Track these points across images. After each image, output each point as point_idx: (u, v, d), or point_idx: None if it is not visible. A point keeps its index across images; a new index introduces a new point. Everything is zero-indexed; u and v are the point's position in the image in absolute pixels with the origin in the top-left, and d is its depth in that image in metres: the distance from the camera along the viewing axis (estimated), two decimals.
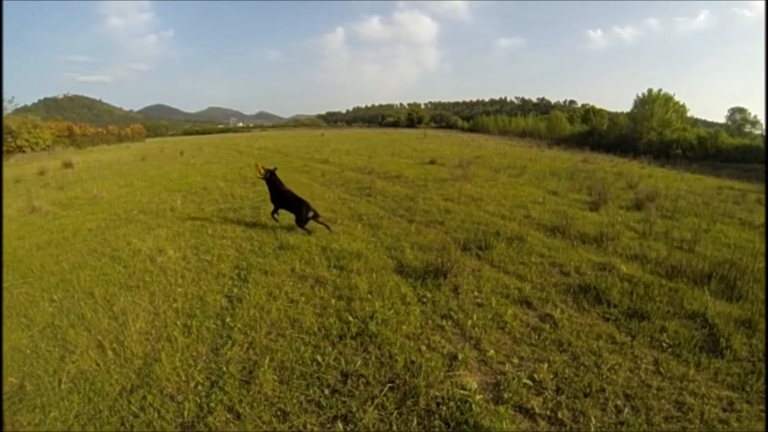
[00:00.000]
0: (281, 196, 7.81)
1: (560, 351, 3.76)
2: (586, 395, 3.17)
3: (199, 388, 3.30)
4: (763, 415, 2.99)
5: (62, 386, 3.37)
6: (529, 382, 3.30)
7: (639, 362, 3.59)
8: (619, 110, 64.59)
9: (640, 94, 49.06)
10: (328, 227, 7.39)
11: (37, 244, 7.22)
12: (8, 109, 37.68)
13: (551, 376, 3.38)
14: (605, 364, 3.53)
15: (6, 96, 37.49)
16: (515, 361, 3.61)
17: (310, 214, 7.38)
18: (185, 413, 3.02)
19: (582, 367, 3.50)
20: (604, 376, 3.38)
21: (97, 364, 3.65)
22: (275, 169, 8.03)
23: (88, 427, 2.94)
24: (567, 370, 3.46)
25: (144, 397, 3.18)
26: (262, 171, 7.91)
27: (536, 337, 3.99)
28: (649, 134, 44.15)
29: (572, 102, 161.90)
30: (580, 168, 19.11)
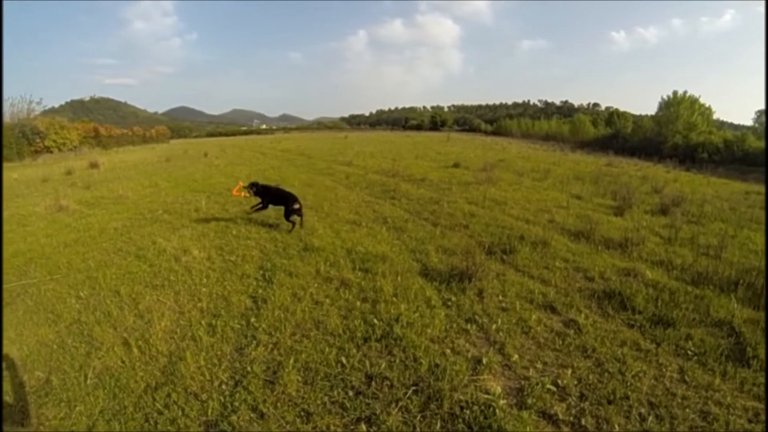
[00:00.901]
0: (272, 196, 8.23)
1: (584, 357, 3.75)
2: (610, 402, 3.15)
3: (223, 387, 3.35)
4: None
5: (88, 381, 3.46)
6: (553, 388, 3.29)
7: (664, 370, 3.56)
8: (643, 113, 63.79)
9: (664, 97, 48.56)
10: (300, 225, 7.91)
11: (64, 241, 7.41)
12: (36, 110, 38.65)
13: (575, 382, 3.37)
14: (630, 371, 3.50)
15: (35, 98, 38.58)
16: (539, 366, 3.61)
17: (296, 206, 7.86)
18: (209, 411, 3.07)
19: (606, 374, 3.48)
20: (629, 384, 3.35)
21: (123, 361, 3.73)
22: (255, 182, 8.37)
23: (113, 422, 3.00)
24: (591, 377, 3.45)
25: (168, 395, 3.25)
26: (245, 194, 8.26)
27: (560, 342, 3.99)
28: (675, 137, 43.40)
29: (596, 105, 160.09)
30: (604, 172, 18.94)
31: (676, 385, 3.35)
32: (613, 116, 68.88)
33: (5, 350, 3.96)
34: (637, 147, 43.34)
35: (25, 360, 3.82)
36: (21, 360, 3.82)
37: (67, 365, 3.71)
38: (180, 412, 3.06)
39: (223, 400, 3.19)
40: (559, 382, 3.35)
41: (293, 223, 7.76)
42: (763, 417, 3.01)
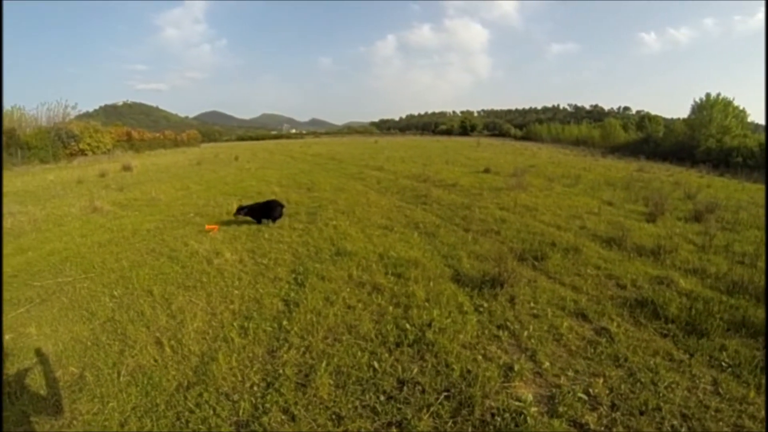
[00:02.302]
0: (259, 210, 8.80)
1: (616, 366, 3.71)
2: (642, 413, 3.10)
3: (255, 388, 3.40)
4: None
5: (121, 379, 3.56)
6: (584, 397, 3.26)
7: (697, 381, 3.49)
8: (675, 116, 62.31)
9: (697, 99, 47.10)
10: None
11: (98, 241, 7.66)
12: (72, 114, 40.15)
13: (607, 392, 3.34)
14: (662, 382, 3.44)
15: (70, 102, 40.23)
16: (570, 374, 3.58)
17: (278, 212, 8.81)
18: (240, 412, 3.12)
19: (638, 384, 3.43)
20: (661, 394, 3.30)
21: (155, 360, 3.83)
22: (241, 206, 9.06)
23: (145, 419, 3.08)
24: (623, 386, 3.40)
25: (200, 394, 3.32)
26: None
27: (592, 350, 3.95)
28: (708, 141, 41.92)
29: (626, 108, 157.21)
30: (636, 177, 18.59)
31: (710, 397, 3.29)
32: (644, 120, 67.51)
33: (40, 345, 4.13)
34: (669, 151, 42.53)
35: (59, 355, 3.96)
36: (56, 355, 3.97)
37: (101, 362, 3.83)
38: (211, 412, 3.12)
39: (254, 401, 3.24)
40: (591, 391, 3.33)
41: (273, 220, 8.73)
42: None
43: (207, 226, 8.40)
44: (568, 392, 3.29)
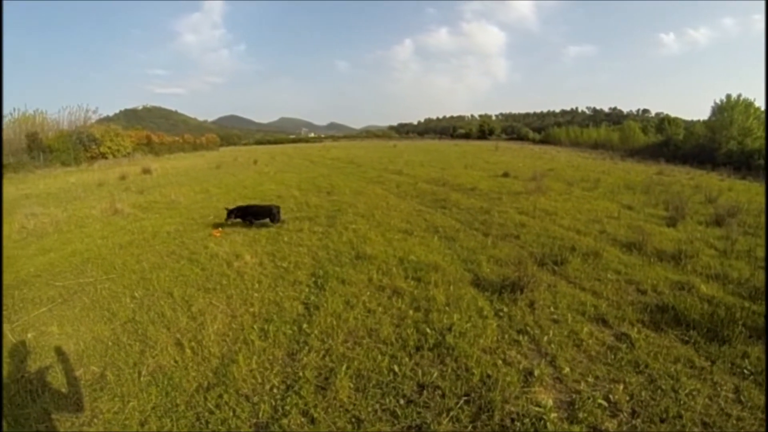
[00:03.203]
0: (251, 212, 9.07)
1: (636, 372, 3.69)
2: (662, 420, 3.07)
3: (275, 390, 3.44)
4: None
5: (142, 378, 3.63)
6: (604, 403, 3.25)
7: (719, 389, 3.45)
8: (695, 118, 61.20)
9: (717, 101, 46.11)
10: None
11: (119, 243, 7.81)
12: (93, 118, 41.17)
13: (627, 398, 3.32)
14: (683, 389, 3.41)
15: (90, 107, 41.23)
16: (590, 380, 3.57)
17: (276, 214, 9.06)
18: (260, 414, 3.16)
19: (659, 391, 3.41)
20: (682, 402, 3.27)
21: (176, 361, 3.89)
22: (230, 209, 9.26)
23: (165, 419, 3.14)
24: (643, 393, 3.38)
25: (220, 396, 3.36)
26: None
27: (612, 356, 3.93)
28: (729, 144, 41.02)
29: (645, 111, 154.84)
30: (656, 181, 18.37)
31: (731, 405, 3.25)
32: (663, 122, 66.38)
33: (62, 344, 4.23)
34: (689, 154, 41.91)
35: (81, 354, 4.05)
36: (77, 354, 4.06)
37: (122, 362, 3.90)
38: (231, 413, 3.16)
39: (274, 403, 3.27)
40: (611, 397, 3.31)
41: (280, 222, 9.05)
42: None
43: (215, 233, 8.46)
44: (588, 398, 3.28)
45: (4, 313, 5.07)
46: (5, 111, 34.39)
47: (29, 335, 4.46)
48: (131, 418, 3.16)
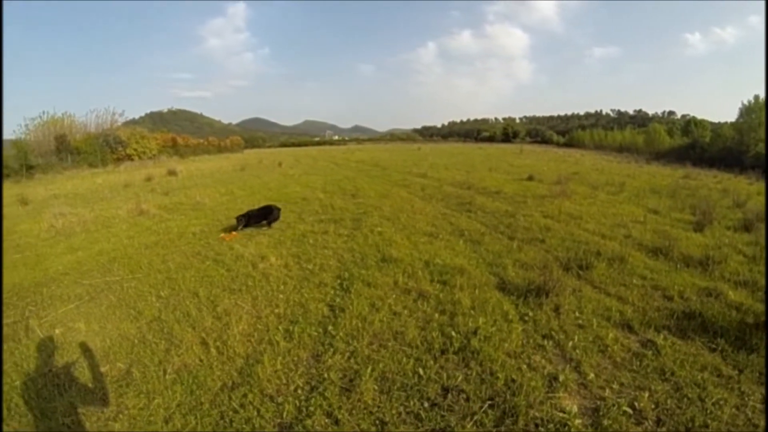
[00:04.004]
0: (255, 217, 9.34)
1: (662, 380, 3.63)
2: (688, 430, 3.03)
3: (299, 391, 3.46)
4: None
5: (167, 376, 3.70)
6: (629, 411, 3.21)
7: (746, 399, 3.37)
8: (722, 120, 59.72)
9: (745, 102, 44.93)
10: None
11: (145, 243, 7.99)
12: (119, 121, 42.51)
13: (652, 406, 3.27)
14: (709, 398, 3.34)
15: (117, 110, 42.40)
16: (615, 386, 3.53)
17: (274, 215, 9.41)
18: (284, 414, 3.19)
19: (685, 399, 3.35)
20: (708, 411, 3.20)
21: (201, 360, 3.95)
22: (239, 216, 9.22)
23: (189, 416, 3.19)
24: (669, 401, 3.33)
25: (245, 395, 3.40)
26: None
27: (637, 363, 3.87)
28: (757, 146, 39.74)
29: (671, 113, 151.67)
30: (682, 185, 18.03)
31: (759, 416, 3.18)
32: (689, 125, 65.01)
33: (88, 340, 4.34)
34: (716, 157, 41.02)
35: (107, 351, 4.15)
36: (103, 351, 4.16)
37: (148, 359, 3.98)
38: (255, 413, 3.20)
39: (298, 404, 3.30)
40: (636, 404, 3.27)
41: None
42: None
43: (226, 236, 8.49)
44: (613, 405, 3.24)
45: (33, 309, 5.24)
46: (34, 113, 35.63)
47: (57, 331, 4.59)
48: (156, 414, 3.23)
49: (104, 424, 3.18)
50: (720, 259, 6.55)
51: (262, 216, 9.27)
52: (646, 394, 3.38)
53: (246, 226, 9.00)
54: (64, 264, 6.82)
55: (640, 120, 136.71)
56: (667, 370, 3.74)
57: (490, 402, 3.29)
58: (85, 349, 4.19)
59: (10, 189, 20.29)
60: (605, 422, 3.07)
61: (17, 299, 5.59)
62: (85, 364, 3.95)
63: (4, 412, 3.35)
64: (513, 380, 3.56)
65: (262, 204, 10.13)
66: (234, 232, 8.64)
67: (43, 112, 35.70)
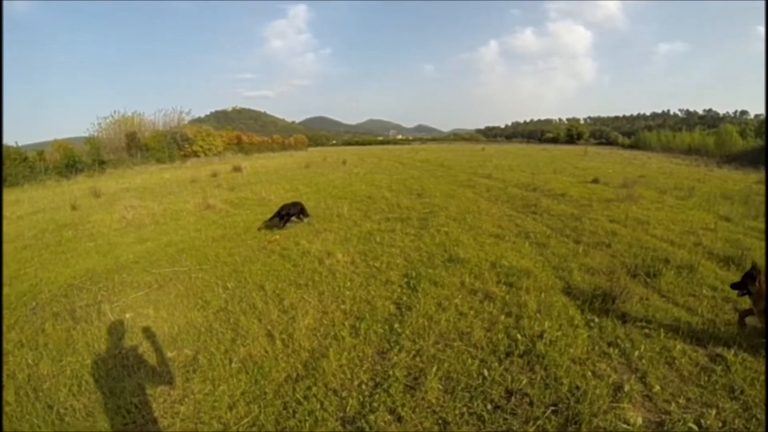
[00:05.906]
0: (289, 212, 9.52)
1: (731, 398, 3.45)
2: None
3: (363, 387, 3.53)
4: None
5: (232, 365, 3.86)
6: (695, 427, 3.09)
7: None
8: None
9: None
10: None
11: (212, 236, 8.34)
12: (186, 119, 44.83)
13: (719, 425, 3.13)
14: None
15: (183, 108, 44.75)
16: (681, 401, 3.39)
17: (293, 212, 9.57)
18: (347, 408, 3.26)
19: (754, 420, 3.18)
20: None
21: (266, 351, 4.10)
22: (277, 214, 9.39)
23: (253, 405, 3.33)
24: (737, 421, 3.17)
25: (309, 388, 3.50)
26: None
27: (705, 378, 3.70)
28: None
29: (743, 112, 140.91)
30: (755, 190, 16.75)
31: None
32: (763, 125, 60.67)
33: (156, 326, 4.60)
34: None
35: (175, 338, 4.40)
36: (171, 337, 4.42)
37: (214, 347, 4.17)
38: (318, 405, 3.29)
39: (362, 399, 3.37)
40: (702, 422, 3.14)
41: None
42: None
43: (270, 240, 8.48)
44: (678, 420, 3.14)
45: (105, 293, 5.62)
46: (106, 113, 38.04)
47: (127, 315, 4.91)
48: (221, 401, 3.38)
49: (170, 406, 3.37)
50: None
51: (299, 211, 9.57)
52: (714, 412, 3.24)
53: (286, 222, 9.22)
54: (135, 253, 7.24)
55: (710, 120, 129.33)
56: (736, 388, 3.57)
57: (553, 408, 3.27)
58: (153, 335, 4.44)
59: (84, 183, 21.64)
60: None
61: (90, 284, 6.00)
62: (153, 348, 4.20)
63: (74, 387, 3.61)
64: (577, 387, 3.51)
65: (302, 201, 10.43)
66: (277, 236, 8.65)
67: (114, 111, 38.25)
